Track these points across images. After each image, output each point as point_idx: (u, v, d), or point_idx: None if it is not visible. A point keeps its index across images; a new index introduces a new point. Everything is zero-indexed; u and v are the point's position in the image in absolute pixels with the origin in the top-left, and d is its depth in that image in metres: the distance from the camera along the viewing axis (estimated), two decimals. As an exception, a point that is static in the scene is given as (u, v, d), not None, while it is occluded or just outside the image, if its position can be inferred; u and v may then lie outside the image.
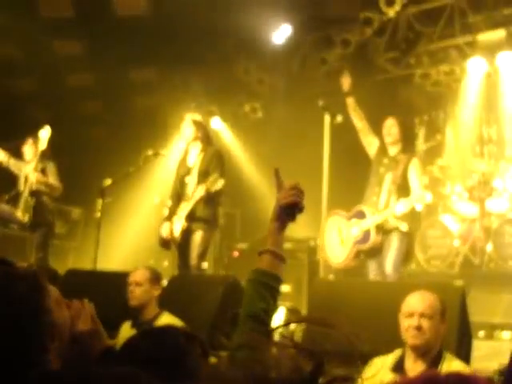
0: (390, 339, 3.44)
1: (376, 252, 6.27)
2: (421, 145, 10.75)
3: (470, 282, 7.08)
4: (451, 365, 3.26)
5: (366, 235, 6.20)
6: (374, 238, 6.16)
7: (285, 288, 8.36)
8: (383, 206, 6.23)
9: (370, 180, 6.53)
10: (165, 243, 7.09)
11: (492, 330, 6.40)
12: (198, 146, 7.02)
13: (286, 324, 2.81)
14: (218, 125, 11.46)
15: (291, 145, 10.21)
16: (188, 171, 6.93)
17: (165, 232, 6.92)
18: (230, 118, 11.36)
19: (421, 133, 11.12)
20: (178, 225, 6.79)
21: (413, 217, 6.34)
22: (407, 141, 6.69)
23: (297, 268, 7.73)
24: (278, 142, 10.43)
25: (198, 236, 6.83)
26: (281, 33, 9.85)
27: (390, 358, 3.44)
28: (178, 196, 7.00)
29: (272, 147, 10.44)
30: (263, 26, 9.70)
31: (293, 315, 5.09)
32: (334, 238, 6.57)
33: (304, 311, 6.76)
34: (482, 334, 6.23)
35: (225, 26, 9.60)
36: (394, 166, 6.34)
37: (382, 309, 4.01)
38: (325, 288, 5.24)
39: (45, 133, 7.49)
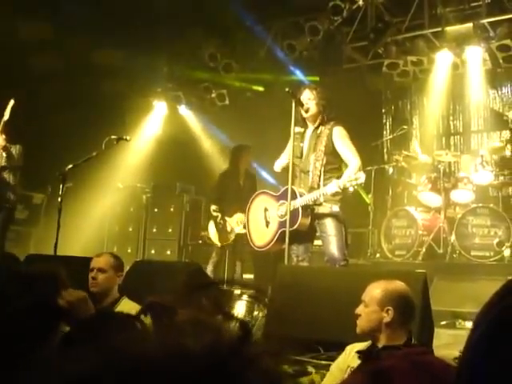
0: (353, 326, 3.41)
1: (302, 236, 5.78)
2: (387, 135, 10.82)
3: (434, 271, 7.12)
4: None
5: (294, 217, 5.69)
6: (300, 219, 5.64)
7: (248, 276, 8.35)
8: (311, 187, 5.75)
9: (297, 161, 5.97)
10: None
11: (454, 318, 6.45)
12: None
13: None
14: (183, 111, 11.38)
15: (258, 132, 10.15)
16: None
17: None
18: (196, 105, 11.27)
19: (387, 123, 11.20)
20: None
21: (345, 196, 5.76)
22: (327, 109, 5.97)
23: (260, 256, 7.68)
24: (245, 129, 10.36)
25: None
26: (249, 18, 9.79)
27: (363, 345, 3.43)
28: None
29: (238, 135, 10.38)
30: (231, 10, 9.61)
31: (256, 302, 5.02)
32: (260, 220, 6.11)
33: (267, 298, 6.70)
34: (444, 322, 6.27)
35: (192, 11, 9.49)
36: (316, 143, 5.85)
37: (345, 296, 3.99)
38: (289, 275, 5.20)
39: (9, 105, 7.45)
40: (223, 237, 8.09)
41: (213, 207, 8.18)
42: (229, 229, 8.03)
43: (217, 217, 8.11)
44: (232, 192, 8.10)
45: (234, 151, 8.58)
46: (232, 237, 8.03)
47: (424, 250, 8.32)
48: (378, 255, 8.87)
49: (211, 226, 8.24)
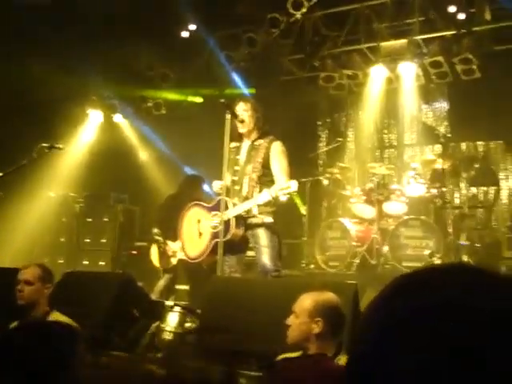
0: (284, 336, 3.41)
1: (235, 247, 5.75)
2: (322, 147, 10.95)
3: (367, 282, 7.20)
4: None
5: (227, 227, 5.60)
6: (233, 230, 5.60)
7: (184, 287, 8.28)
8: (246, 197, 5.75)
9: (231, 171, 5.98)
10: None
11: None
12: None
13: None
14: (119, 120, 11.24)
15: (194, 142, 10.11)
16: None
17: None
18: (131, 114, 11.15)
19: (323, 135, 11.33)
20: None
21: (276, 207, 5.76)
22: (262, 123, 5.99)
23: (194, 267, 7.62)
24: (182, 139, 10.31)
25: None
26: (187, 28, 9.77)
27: (293, 356, 3.44)
28: None
29: (175, 144, 10.32)
30: (169, 20, 9.57)
31: (188, 314, 4.97)
32: (193, 231, 6.10)
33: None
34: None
35: (129, 20, 9.40)
36: (254, 155, 5.87)
37: (278, 306, 3.99)
38: (222, 286, 5.17)
39: None
40: (164, 261, 7.96)
41: (155, 230, 8.04)
42: (170, 253, 7.89)
43: (158, 240, 8.00)
44: (178, 216, 7.92)
45: (189, 180, 8.46)
46: (174, 261, 7.89)
47: (358, 260, 8.43)
48: (312, 266, 8.94)
49: (153, 248, 8.13)
